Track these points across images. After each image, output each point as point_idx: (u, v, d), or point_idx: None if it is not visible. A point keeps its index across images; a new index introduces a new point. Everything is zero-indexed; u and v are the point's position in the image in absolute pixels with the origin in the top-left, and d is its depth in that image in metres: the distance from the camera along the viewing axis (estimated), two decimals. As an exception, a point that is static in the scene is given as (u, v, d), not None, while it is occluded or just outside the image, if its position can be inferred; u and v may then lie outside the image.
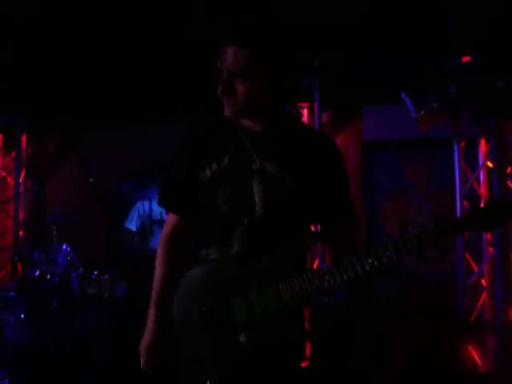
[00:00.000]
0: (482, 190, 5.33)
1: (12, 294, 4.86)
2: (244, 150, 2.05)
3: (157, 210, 5.59)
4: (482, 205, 1.88)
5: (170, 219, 2.23)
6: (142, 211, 5.87)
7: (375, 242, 5.83)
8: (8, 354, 4.59)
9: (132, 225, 5.85)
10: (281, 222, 2.03)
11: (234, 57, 1.95)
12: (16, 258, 5.50)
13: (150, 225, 5.95)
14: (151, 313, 2.18)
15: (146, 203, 5.83)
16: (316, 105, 5.75)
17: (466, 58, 4.77)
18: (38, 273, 5.00)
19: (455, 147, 5.33)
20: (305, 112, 5.93)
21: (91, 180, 4.78)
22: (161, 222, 5.47)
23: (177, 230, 2.21)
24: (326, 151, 2.11)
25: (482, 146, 5.34)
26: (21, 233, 6.77)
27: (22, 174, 6.92)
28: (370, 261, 1.89)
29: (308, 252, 2.14)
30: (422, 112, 4.99)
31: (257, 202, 2.02)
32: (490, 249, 5.25)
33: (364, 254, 1.90)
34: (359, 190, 5.85)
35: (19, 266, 5.72)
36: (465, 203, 5.28)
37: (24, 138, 6.95)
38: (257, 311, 1.96)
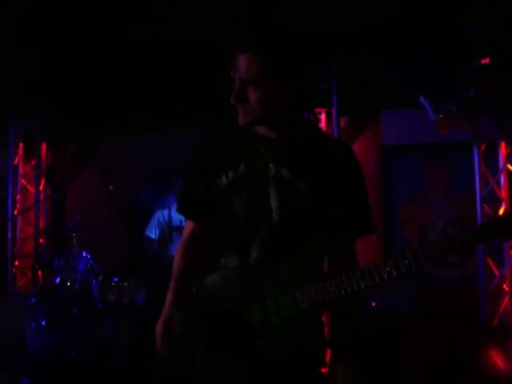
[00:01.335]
0: (503, 194, 5.27)
1: (33, 301, 4.90)
2: (259, 157, 2.05)
3: (176, 217, 5.59)
4: (502, 213, 1.86)
5: (188, 226, 2.23)
6: (162, 219, 5.88)
7: (394, 246, 5.79)
8: (29, 361, 4.62)
9: (152, 233, 5.87)
10: (298, 229, 2.02)
11: (246, 64, 1.95)
12: (37, 266, 5.54)
13: (169, 232, 5.96)
14: (169, 297, 2.19)
15: (166, 211, 5.84)
16: (334, 110, 5.74)
17: (484, 61, 4.74)
18: (58, 280, 5.03)
19: (475, 150, 5.29)
20: (323, 117, 5.92)
21: (111, 187, 4.80)
22: (180, 230, 5.47)
23: (195, 236, 2.21)
24: (341, 158, 2.09)
25: (502, 149, 5.29)
26: (41, 240, 6.83)
27: (42, 182, 6.98)
28: (387, 269, 1.87)
29: (325, 258, 2.12)
30: (441, 115, 4.96)
31: (273, 209, 2.01)
32: (512, 253, 5.20)
33: (382, 262, 1.88)
34: (378, 194, 5.82)
35: (40, 274, 5.76)
36: (485, 207, 5.23)
37: (44, 147, 7.02)
38: (274, 318, 1.95)
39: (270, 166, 2.03)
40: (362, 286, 1.89)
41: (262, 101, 1.96)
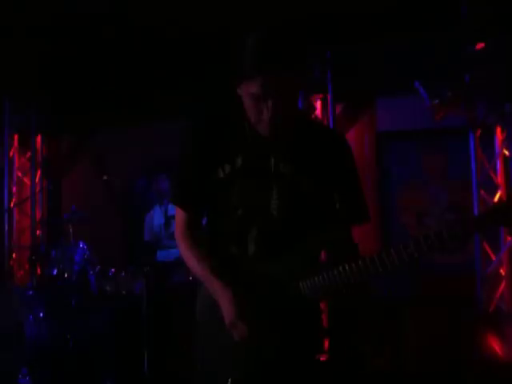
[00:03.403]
0: (499, 179, 5.27)
1: (31, 292, 4.91)
2: (256, 151, 2.03)
3: (172, 206, 5.63)
4: (500, 199, 1.86)
5: (182, 215, 2.13)
6: (151, 221, 6.01)
7: (391, 233, 5.80)
8: (28, 352, 4.63)
9: (147, 237, 6.00)
10: (296, 223, 2.03)
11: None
12: (34, 257, 5.53)
13: (166, 220, 6.01)
14: (216, 285, 2.00)
15: (163, 207, 5.93)
16: (329, 97, 5.73)
17: (479, 46, 4.72)
18: (55, 271, 5.02)
19: (471, 136, 5.28)
20: (318, 104, 5.90)
21: (105, 177, 4.79)
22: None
23: (190, 223, 2.11)
24: (337, 149, 2.10)
25: (498, 134, 5.29)
26: (38, 232, 6.82)
27: (38, 174, 6.96)
28: (391, 259, 1.87)
29: (325, 249, 2.12)
30: (437, 101, 4.95)
31: (271, 203, 2.01)
32: (508, 238, 5.20)
33: (385, 252, 1.88)
34: (374, 180, 5.82)
35: (37, 265, 5.76)
36: (482, 192, 5.23)
37: (39, 138, 7.00)
38: (274, 310, 1.96)
39: (268, 160, 2.02)
40: (366, 276, 1.90)
41: (289, 110, 1.96)
